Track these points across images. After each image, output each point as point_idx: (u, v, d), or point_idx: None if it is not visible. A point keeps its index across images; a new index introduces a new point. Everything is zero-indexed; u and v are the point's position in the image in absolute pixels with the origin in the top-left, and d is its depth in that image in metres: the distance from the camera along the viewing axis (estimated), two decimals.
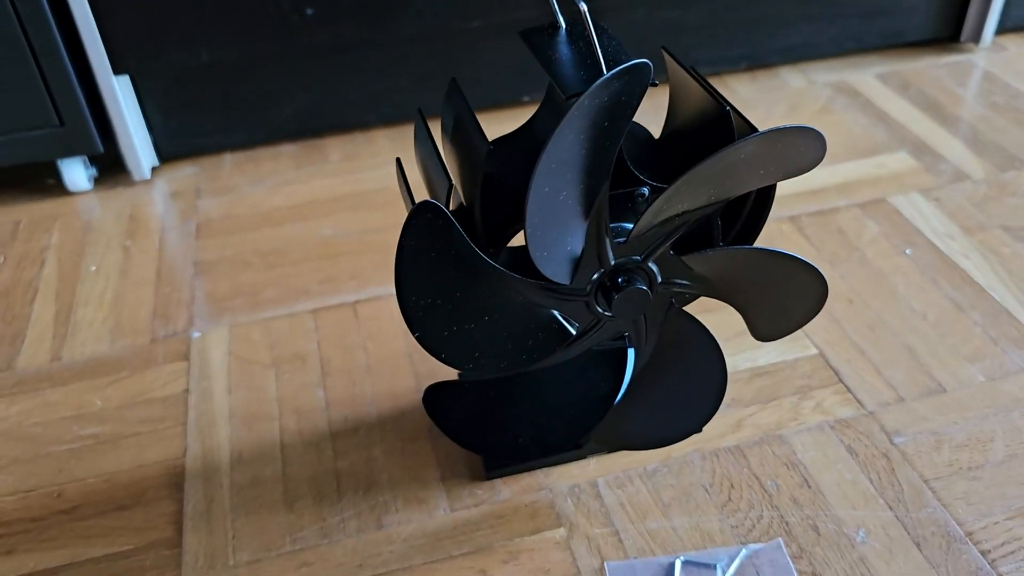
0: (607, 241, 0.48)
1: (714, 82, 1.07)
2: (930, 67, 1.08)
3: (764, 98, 1.04)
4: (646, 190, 0.51)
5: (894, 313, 0.74)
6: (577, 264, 0.49)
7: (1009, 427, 0.64)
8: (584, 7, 0.45)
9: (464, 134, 0.51)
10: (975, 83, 1.06)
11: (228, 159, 0.97)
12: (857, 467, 0.61)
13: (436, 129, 0.53)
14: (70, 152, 0.89)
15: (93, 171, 0.94)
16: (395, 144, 0.98)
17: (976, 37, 1.10)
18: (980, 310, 0.73)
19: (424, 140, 0.53)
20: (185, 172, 0.96)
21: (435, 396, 0.57)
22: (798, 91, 1.05)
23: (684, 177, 0.46)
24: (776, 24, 1.05)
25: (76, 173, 0.91)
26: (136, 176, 0.93)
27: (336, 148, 0.98)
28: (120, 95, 0.88)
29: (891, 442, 0.63)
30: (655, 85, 0.46)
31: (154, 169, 0.96)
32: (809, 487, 0.60)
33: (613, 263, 0.49)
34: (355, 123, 0.99)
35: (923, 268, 0.78)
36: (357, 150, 0.97)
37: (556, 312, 0.50)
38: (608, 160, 0.46)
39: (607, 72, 0.43)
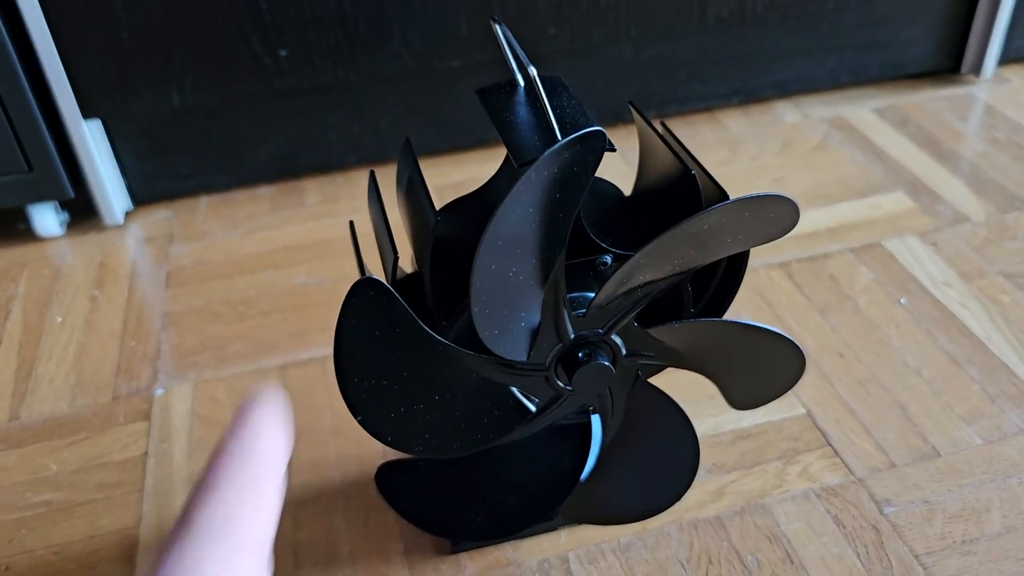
0: (565, 314, 0.45)
1: (706, 118, 1.04)
2: (929, 100, 1.05)
3: (757, 134, 1.01)
4: (608, 258, 0.48)
5: (887, 368, 0.70)
6: (534, 338, 0.46)
7: (1007, 496, 0.60)
8: (534, 71, 0.42)
9: (415, 199, 0.48)
10: (976, 117, 1.02)
11: (204, 202, 0.95)
12: (844, 540, 0.58)
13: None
14: (39, 198, 0.87)
15: (65, 216, 0.92)
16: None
17: (977, 69, 1.06)
18: (978, 365, 0.70)
19: (375, 204, 0.50)
20: (159, 216, 0.93)
21: (388, 474, 0.54)
22: (792, 127, 1.02)
23: (644, 249, 0.43)
24: (770, 57, 1.02)
25: (47, 218, 0.89)
26: (108, 221, 0.91)
27: (314, 190, 0.96)
28: (90, 139, 0.86)
29: (880, 512, 0.59)
30: (612, 150, 0.43)
31: (128, 213, 0.94)
32: (792, 562, 0.57)
33: (573, 337, 0.46)
34: (334, 164, 0.96)
35: (918, 319, 0.74)
36: (336, 192, 0.95)
37: (514, 388, 0.47)
38: (563, 232, 0.43)
39: (561, 138, 0.41)
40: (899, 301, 0.76)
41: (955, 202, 0.88)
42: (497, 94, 0.48)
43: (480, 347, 0.44)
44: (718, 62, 1.00)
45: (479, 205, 0.50)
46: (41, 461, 0.67)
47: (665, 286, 0.46)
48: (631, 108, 0.53)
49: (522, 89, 0.48)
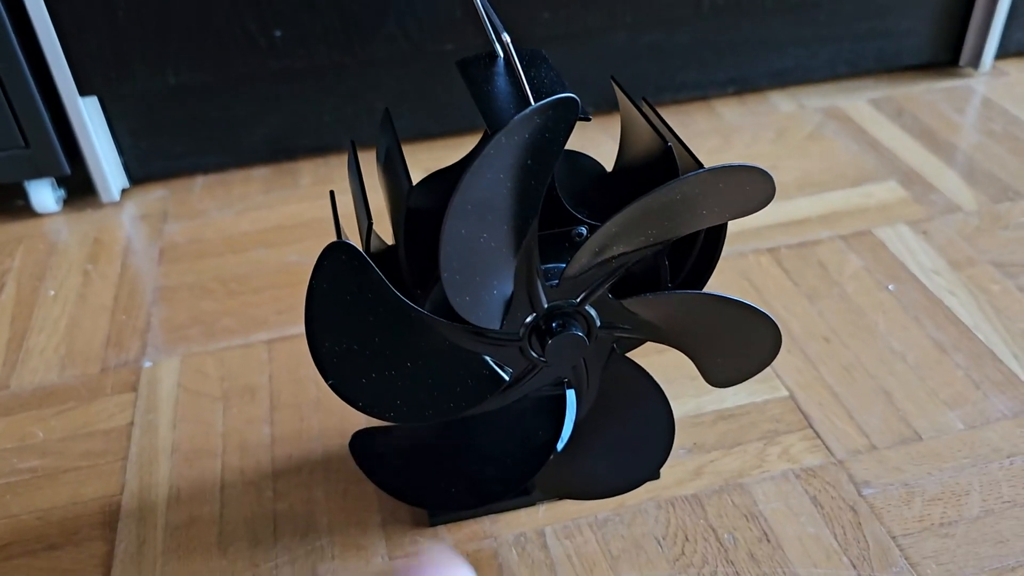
0: (538, 283, 0.46)
1: (701, 106, 1.04)
2: (926, 92, 1.05)
3: (751, 123, 1.01)
4: (584, 229, 0.48)
5: (872, 353, 0.70)
6: (508, 307, 0.46)
7: (987, 480, 0.60)
8: (507, 39, 0.43)
9: (392, 169, 0.49)
10: (972, 109, 1.02)
11: (199, 182, 0.95)
12: (821, 520, 0.58)
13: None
14: (36, 174, 0.87)
15: (62, 193, 0.92)
16: (368, 167, 0.96)
17: (975, 61, 1.06)
18: (963, 351, 0.70)
19: (353, 174, 0.50)
20: (155, 195, 0.94)
21: (363, 442, 0.54)
22: (787, 116, 1.02)
23: (615, 218, 0.43)
24: (766, 47, 1.02)
25: (44, 195, 0.90)
26: (105, 198, 0.92)
27: (308, 172, 0.96)
28: (87, 116, 0.86)
29: (859, 494, 0.59)
30: (587, 120, 0.44)
31: (124, 191, 0.94)
32: (769, 541, 0.57)
33: (547, 307, 0.47)
34: (328, 146, 0.97)
35: (906, 305, 0.74)
36: (330, 173, 0.95)
37: (487, 357, 0.48)
38: (535, 199, 0.43)
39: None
40: (887, 288, 0.76)
41: (948, 192, 0.88)
42: (476, 65, 0.48)
43: (455, 317, 0.45)
44: (714, 50, 1.00)
45: (456, 177, 0.50)
46: (29, 429, 0.67)
47: (639, 257, 0.46)
48: (613, 84, 0.53)
49: (501, 61, 0.48)
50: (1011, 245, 0.80)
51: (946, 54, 1.07)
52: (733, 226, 0.49)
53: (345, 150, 0.98)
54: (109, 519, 0.60)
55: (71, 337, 0.76)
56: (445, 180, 0.50)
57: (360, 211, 0.48)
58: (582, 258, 0.45)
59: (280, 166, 0.97)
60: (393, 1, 0.86)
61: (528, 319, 0.47)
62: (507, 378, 0.48)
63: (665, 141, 0.47)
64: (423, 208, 0.47)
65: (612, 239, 0.44)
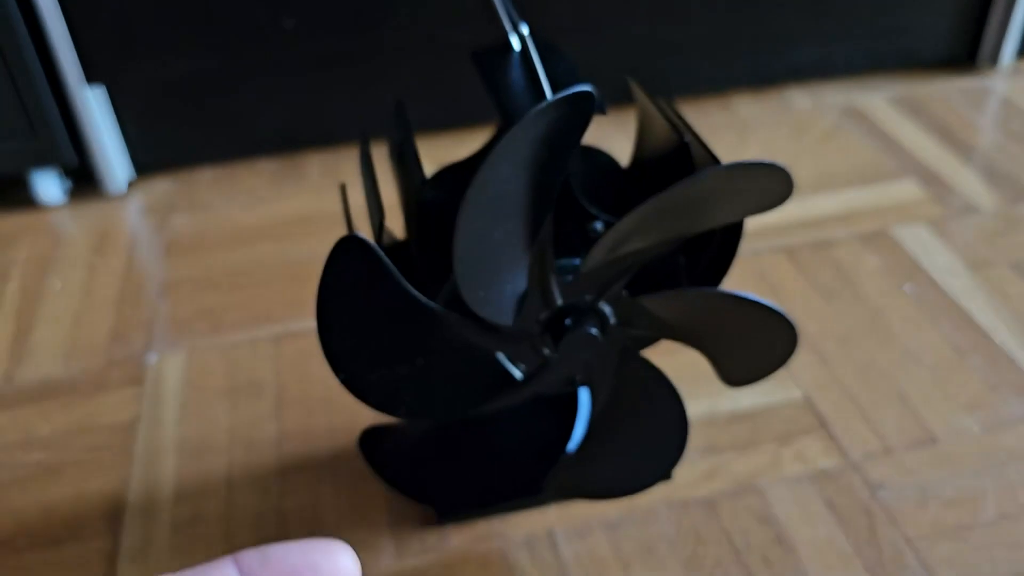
0: (552, 279, 0.45)
1: (717, 102, 1.03)
2: (945, 91, 1.03)
3: (768, 120, 0.99)
4: (600, 225, 0.47)
5: (888, 355, 0.69)
6: (521, 303, 0.45)
7: (1003, 484, 0.59)
8: (526, 31, 0.42)
9: (405, 163, 0.48)
10: (992, 109, 1.00)
11: (207, 174, 0.95)
12: (835, 523, 0.57)
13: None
14: (42, 164, 0.87)
15: (68, 184, 0.91)
16: (377, 161, 0.95)
17: (994, 60, 1.05)
18: (980, 354, 0.69)
19: (365, 167, 0.49)
20: (161, 186, 0.93)
21: (373, 439, 0.53)
22: (804, 113, 1.00)
23: (631, 214, 0.42)
24: (783, 42, 1.01)
25: (50, 186, 0.89)
26: (111, 190, 0.91)
27: (317, 164, 0.95)
28: (94, 106, 0.85)
29: (874, 497, 0.58)
30: (603, 113, 0.43)
31: (131, 183, 0.94)
32: (782, 544, 0.56)
33: (561, 303, 0.46)
34: (337, 138, 0.96)
35: (922, 307, 0.73)
36: (338, 166, 0.94)
37: (500, 354, 0.47)
38: (550, 194, 0.42)
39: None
40: (904, 289, 0.75)
41: (966, 192, 0.87)
42: (491, 57, 0.47)
43: (467, 312, 0.44)
44: (731, 45, 0.99)
45: (470, 171, 0.49)
46: (34, 422, 0.67)
47: (655, 254, 0.45)
48: (630, 80, 0.52)
49: (516, 53, 0.47)
50: None
51: (965, 52, 1.06)
52: (750, 224, 0.48)
53: (355, 141, 0.97)
54: (114, 514, 0.60)
55: (76, 330, 0.75)
56: (458, 174, 0.49)
57: (372, 205, 0.47)
58: (597, 254, 0.44)
59: (289, 158, 0.96)
60: None
61: (542, 315, 0.46)
62: (519, 375, 0.47)
63: (682, 136, 0.46)
64: (436, 202, 0.46)
65: (628, 235, 0.43)
